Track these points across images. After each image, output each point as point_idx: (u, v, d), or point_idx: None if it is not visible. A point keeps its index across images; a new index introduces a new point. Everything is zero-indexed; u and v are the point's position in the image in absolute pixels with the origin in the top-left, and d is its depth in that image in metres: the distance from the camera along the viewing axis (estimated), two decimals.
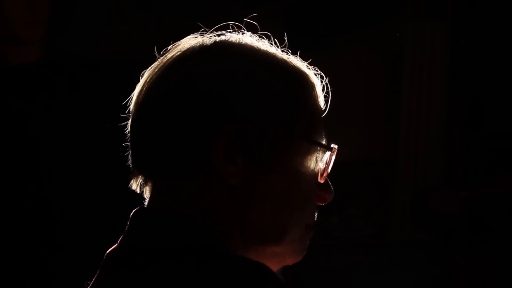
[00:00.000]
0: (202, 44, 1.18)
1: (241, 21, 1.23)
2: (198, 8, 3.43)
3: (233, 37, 1.20)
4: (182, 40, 1.21)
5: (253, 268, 1.07)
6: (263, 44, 1.20)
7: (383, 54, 3.74)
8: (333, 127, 1.26)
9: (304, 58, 1.23)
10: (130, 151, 1.20)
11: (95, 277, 1.17)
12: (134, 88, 1.21)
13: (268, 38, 1.21)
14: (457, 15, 3.64)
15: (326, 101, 1.22)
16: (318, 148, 1.19)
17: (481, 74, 3.67)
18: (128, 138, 1.21)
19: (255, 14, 1.25)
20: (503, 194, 3.53)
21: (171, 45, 1.20)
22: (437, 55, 3.64)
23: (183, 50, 1.18)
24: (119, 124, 1.26)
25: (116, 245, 1.17)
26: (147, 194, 1.20)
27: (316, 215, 1.22)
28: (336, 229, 3.64)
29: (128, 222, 1.18)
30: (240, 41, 1.19)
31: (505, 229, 3.51)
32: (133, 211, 1.18)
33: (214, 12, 3.39)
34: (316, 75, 1.21)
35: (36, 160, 2.61)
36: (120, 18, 3.58)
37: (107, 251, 1.17)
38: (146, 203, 1.20)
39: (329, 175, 1.22)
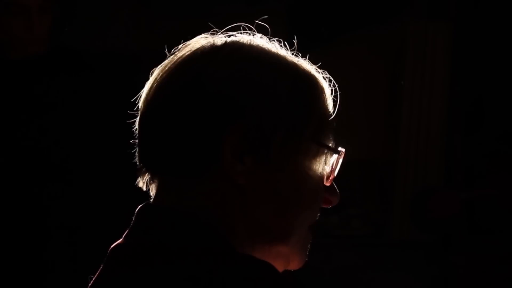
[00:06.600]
0: (213, 44, 1.18)
1: (243, 19, 1.23)
2: (200, 6, 3.43)
3: (244, 38, 1.19)
4: (192, 39, 1.20)
5: (258, 266, 1.07)
6: (273, 46, 1.20)
7: (385, 54, 3.74)
8: (334, 126, 1.26)
9: (305, 57, 1.23)
10: (138, 147, 1.20)
11: (98, 272, 1.17)
12: (137, 84, 1.21)
13: (279, 41, 1.21)
14: (460, 16, 3.64)
15: (334, 105, 1.22)
16: (326, 151, 1.19)
17: (483, 75, 3.67)
18: (135, 135, 1.20)
19: (257, 12, 1.25)
20: (503, 195, 3.53)
21: (181, 44, 1.20)
22: (439, 55, 3.63)
23: (193, 49, 1.18)
24: (121, 121, 1.25)
25: (120, 240, 1.17)
26: (153, 192, 1.19)
27: (318, 216, 1.22)
28: (335, 228, 3.64)
29: (133, 218, 1.18)
30: (251, 43, 1.19)
31: (504, 230, 3.51)
32: (139, 207, 1.18)
33: (216, 10, 3.38)
34: (324, 78, 1.21)
35: (40, 155, 2.61)
36: (123, 14, 3.58)
37: (111, 246, 1.17)
38: (151, 200, 1.20)
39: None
